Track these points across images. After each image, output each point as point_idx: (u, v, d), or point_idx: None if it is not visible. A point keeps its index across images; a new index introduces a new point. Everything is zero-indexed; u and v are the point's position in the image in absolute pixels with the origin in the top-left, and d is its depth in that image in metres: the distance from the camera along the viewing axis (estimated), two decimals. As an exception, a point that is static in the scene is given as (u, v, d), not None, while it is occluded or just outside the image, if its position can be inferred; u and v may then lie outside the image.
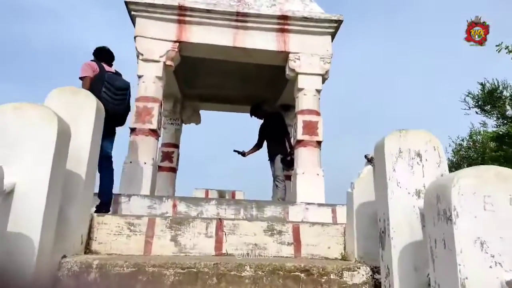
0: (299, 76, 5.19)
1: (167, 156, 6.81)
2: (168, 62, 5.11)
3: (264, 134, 6.28)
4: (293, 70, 5.23)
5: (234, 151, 6.50)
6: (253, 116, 6.45)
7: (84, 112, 2.61)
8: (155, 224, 2.71)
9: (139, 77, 5.01)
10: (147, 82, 4.96)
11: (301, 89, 5.16)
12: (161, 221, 2.73)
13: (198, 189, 5.36)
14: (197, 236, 2.70)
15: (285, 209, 4.27)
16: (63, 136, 2.18)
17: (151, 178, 4.60)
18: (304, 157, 4.87)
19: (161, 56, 5.04)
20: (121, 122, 4.00)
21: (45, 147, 2.03)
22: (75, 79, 3.82)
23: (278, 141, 5.98)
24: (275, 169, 5.89)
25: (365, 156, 2.82)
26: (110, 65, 4.12)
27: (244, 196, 5.94)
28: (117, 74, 4.09)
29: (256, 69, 6.29)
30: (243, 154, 6.45)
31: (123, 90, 3.91)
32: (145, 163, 4.64)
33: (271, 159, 6.13)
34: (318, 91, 5.18)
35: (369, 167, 2.72)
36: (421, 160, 2.15)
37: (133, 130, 4.79)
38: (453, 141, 8.63)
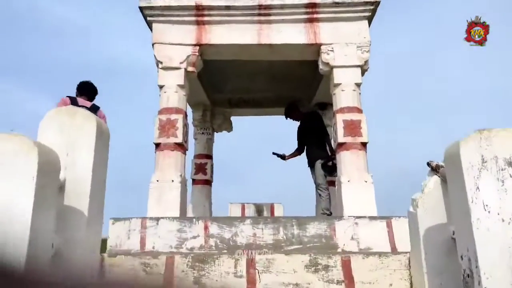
0: (335, 70, 4.61)
1: (200, 168, 6.45)
2: (190, 68, 4.71)
3: (301, 137, 5.73)
4: (327, 64, 4.66)
5: (273, 153, 6.00)
6: (288, 118, 5.92)
7: (82, 136, 2.22)
8: (174, 264, 2.28)
9: (160, 87, 4.65)
10: (168, 92, 4.59)
11: (338, 85, 4.57)
12: (182, 259, 2.31)
13: (234, 203, 4.94)
14: (224, 276, 2.24)
15: (331, 225, 3.71)
16: (48, 168, 1.79)
17: (179, 197, 4.21)
18: (348, 162, 4.28)
19: (181, 63, 4.65)
20: None
21: (22, 185, 1.64)
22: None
23: (317, 145, 5.41)
24: (316, 176, 5.33)
25: (428, 164, 2.22)
26: (91, 99, 4.35)
27: (284, 209, 5.44)
28: (93, 109, 4.16)
29: (286, 67, 5.76)
30: (283, 157, 5.93)
31: None
32: (172, 181, 4.26)
33: (311, 165, 5.56)
34: (358, 85, 4.57)
35: (436, 178, 2.13)
36: (516, 171, 1.55)
37: (157, 145, 4.43)
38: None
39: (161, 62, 4.62)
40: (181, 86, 4.62)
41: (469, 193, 1.53)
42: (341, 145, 4.37)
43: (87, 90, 4.35)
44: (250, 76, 6.44)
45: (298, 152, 5.88)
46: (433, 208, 2.09)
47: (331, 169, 5.04)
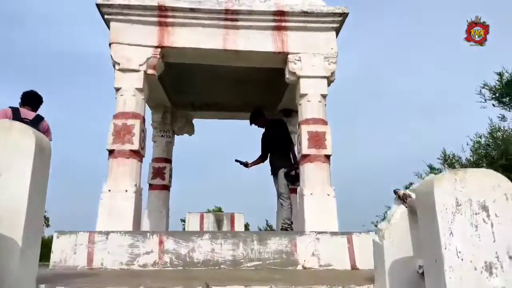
0: (301, 80, 4.51)
1: (158, 173, 6.16)
2: (150, 71, 4.44)
3: (265, 144, 5.61)
4: (293, 73, 4.55)
5: (236, 161, 5.87)
6: (253, 124, 5.78)
7: (18, 154, 1.95)
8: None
9: (117, 90, 4.34)
10: (125, 96, 4.29)
11: (304, 95, 4.48)
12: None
13: (192, 213, 4.72)
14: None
15: (292, 240, 3.61)
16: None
17: (133, 208, 3.94)
18: (311, 175, 4.20)
19: (141, 65, 4.36)
20: None
21: None
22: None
23: (281, 153, 5.31)
24: (279, 185, 5.23)
25: (395, 192, 2.15)
26: (36, 109, 4.20)
27: (245, 218, 5.30)
28: (36, 120, 4.02)
29: (251, 72, 5.60)
30: (246, 165, 5.80)
31: None
32: (126, 191, 3.98)
33: (274, 173, 5.47)
34: (324, 96, 4.50)
35: (403, 208, 2.05)
36: (488, 216, 1.48)
37: (111, 152, 4.13)
38: (471, 139, 7.94)
39: (118, 63, 4.31)
40: (139, 90, 4.33)
41: (443, 238, 1.45)
42: (305, 156, 4.28)
43: (30, 100, 4.18)
44: (214, 79, 6.24)
45: (261, 159, 5.77)
46: (400, 240, 2.02)
47: (294, 179, 4.96)
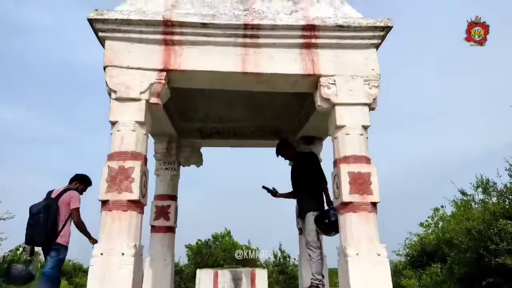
0: (337, 108, 3.70)
1: (162, 213, 5.31)
2: (153, 100, 3.64)
3: (294, 180, 4.79)
4: (326, 100, 3.74)
5: (264, 187, 4.99)
6: (279, 156, 4.98)
7: None
8: None
9: (112, 124, 3.54)
10: (123, 131, 3.48)
11: (340, 127, 3.66)
12: None
13: (203, 269, 3.87)
14: None
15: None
16: None
17: (132, 278, 3.09)
18: (355, 229, 3.35)
19: (142, 93, 3.56)
20: (43, 243, 4.29)
21: None
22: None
23: (311, 191, 4.48)
24: (307, 231, 4.38)
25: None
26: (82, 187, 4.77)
27: (268, 273, 4.43)
28: (59, 195, 4.47)
29: (268, 94, 4.80)
30: (274, 193, 4.92)
31: (35, 214, 4.25)
32: (123, 254, 3.14)
33: (301, 215, 4.62)
34: (366, 128, 3.68)
35: None
36: None
37: (104, 203, 3.30)
38: (509, 163, 7.09)
39: (115, 92, 3.51)
40: (140, 123, 3.53)
41: None
42: (345, 205, 3.44)
43: (77, 179, 4.77)
44: (225, 103, 5.46)
45: (291, 195, 4.93)
46: None
47: (328, 227, 4.10)
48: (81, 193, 4.67)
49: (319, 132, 5.43)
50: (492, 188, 7.76)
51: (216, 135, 5.79)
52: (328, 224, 4.09)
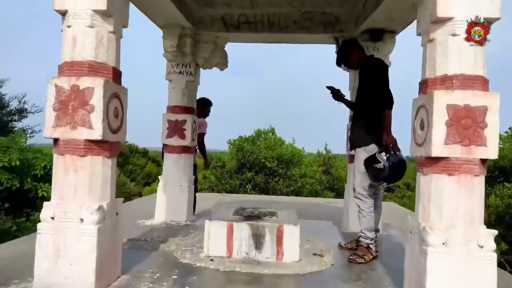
0: (440, -12, 2.03)
1: (175, 129, 4.22)
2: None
3: (357, 93, 3.34)
4: (422, -30, 2.06)
5: (328, 87, 3.64)
6: (342, 65, 3.47)
7: None
8: None
9: (61, 15, 2.21)
10: (75, 28, 2.17)
11: (444, 21, 2.04)
12: None
13: (214, 220, 2.85)
14: None
15: None
16: None
17: (96, 254, 2.10)
18: (448, 203, 2.01)
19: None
20: None
21: None
22: None
23: (370, 118, 3.07)
24: (354, 174, 3.13)
25: None
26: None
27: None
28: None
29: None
30: (337, 95, 3.50)
31: None
32: (82, 220, 2.11)
33: (351, 147, 3.31)
34: (489, 24, 2.04)
35: None
36: None
37: (55, 143, 2.18)
38: None
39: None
40: (103, 14, 2.18)
41: None
42: (435, 161, 2.04)
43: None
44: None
45: (351, 106, 3.53)
46: None
47: (379, 175, 2.84)
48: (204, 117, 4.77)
49: (392, 23, 3.72)
50: None
51: (246, 26, 4.24)
52: (379, 172, 2.81)
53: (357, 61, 3.27)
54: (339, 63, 3.46)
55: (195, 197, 4.69)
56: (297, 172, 12.37)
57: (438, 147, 2.00)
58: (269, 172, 12.22)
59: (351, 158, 3.65)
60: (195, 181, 4.62)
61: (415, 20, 2.34)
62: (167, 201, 4.22)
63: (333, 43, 4.31)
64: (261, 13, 4.16)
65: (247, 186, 11.89)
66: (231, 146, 13.61)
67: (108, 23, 2.23)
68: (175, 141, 4.21)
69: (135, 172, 28.48)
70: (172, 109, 4.27)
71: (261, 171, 12.33)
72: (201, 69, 4.48)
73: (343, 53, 3.32)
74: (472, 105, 1.99)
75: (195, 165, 4.70)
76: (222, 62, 4.51)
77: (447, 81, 2.04)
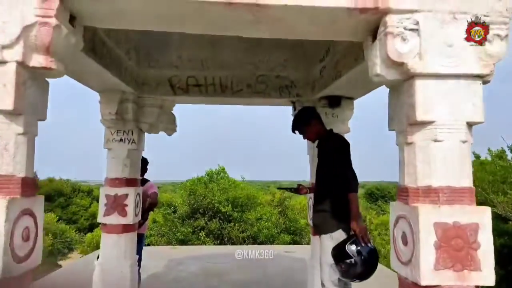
0: (418, 84, 1.79)
1: (115, 205, 3.66)
2: (37, 60, 1.73)
3: (316, 173, 3.02)
4: (397, 66, 1.81)
5: (280, 188, 3.55)
6: (296, 132, 3.10)
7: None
8: None
9: None
10: None
11: (424, 124, 1.79)
12: None
13: None
14: None
15: None
16: None
17: None
18: None
19: (5, 47, 1.65)
20: None
21: None
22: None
23: (334, 198, 2.75)
24: (321, 263, 2.78)
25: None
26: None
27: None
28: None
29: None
30: (298, 190, 3.17)
31: None
32: None
33: (315, 229, 2.97)
34: (471, 125, 1.82)
35: None
36: None
37: None
38: None
39: None
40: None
41: None
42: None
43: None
44: (209, 40, 3.50)
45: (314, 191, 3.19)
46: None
47: (349, 271, 2.53)
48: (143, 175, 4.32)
49: (352, 91, 3.54)
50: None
51: (196, 90, 3.86)
52: (350, 267, 2.49)
53: (315, 135, 2.99)
54: (294, 130, 3.14)
55: (140, 276, 4.11)
56: (253, 215, 11.94)
57: (427, 274, 1.69)
58: (223, 217, 11.68)
59: (314, 232, 3.31)
60: (139, 260, 4.04)
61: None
62: (105, 292, 3.59)
63: (290, 105, 4.07)
64: (212, 75, 3.82)
65: (200, 234, 11.23)
66: (181, 191, 12.96)
67: (16, 124, 1.74)
68: (114, 219, 3.64)
69: (78, 214, 26.44)
70: (111, 182, 3.72)
71: (215, 216, 11.75)
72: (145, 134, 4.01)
73: (300, 123, 3.02)
74: (462, 222, 1.72)
75: (141, 237, 4.15)
76: (170, 127, 4.08)
77: (431, 194, 1.76)
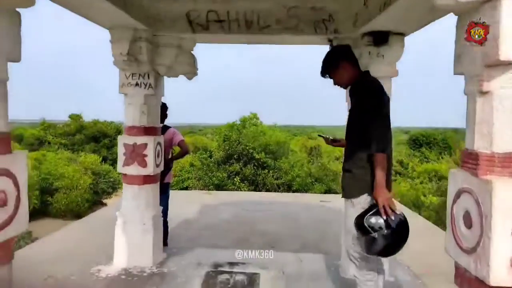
0: (504, 4, 1.22)
1: (134, 155, 3.41)
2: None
3: (349, 121, 2.53)
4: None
5: (319, 135, 3.03)
6: (327, 77, 2.57)
7: None
8: None
9: None
10: None
11: (508, 65, 1.25)
12: None
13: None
14: None
15: None
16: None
17: None
18: None
19: None
20: None
21: None
22: None
23: (360, 159, 2.28)
24: (345, 230, 2.40)
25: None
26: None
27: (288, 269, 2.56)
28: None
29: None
30: (327, 140, 2.81)
31: None
32: None
33: (344, 194, 2.52)
34: None
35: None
36: None
37: None
38: None
39: None
40: None
41: None
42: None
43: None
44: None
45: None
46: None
47: (369, 245, 2.12)
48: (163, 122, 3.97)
49: (402, 25, 2.91)
50: None
51: (217, 26, 3.36)
52: (371, 243, 2.08)
53: (346, 80, 2.45)
54: (323, 74, 2.61)
55: (167, 227, 3.98)
56: (285, 164, 11.71)
57: (500, 272, 1.26)
58: (257, 163, 11.53)
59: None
60: (165, 211, 3.88)
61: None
62: (127, 243, 3.48)
63: (327, 43, 3.49)
64: (236, 9, 3.28)
65: (235, 179, 11.21)
66: (217, 135, 12.85)
67: None
68: (134, 169, 3.42)
69: (123, 154, 27.70)
70: (129, 130, 3.45)
71: (249, 162, 11.63)
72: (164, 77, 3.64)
73: (328, 66, 2.48)
74: (555, 203, 1.24)
75: (166, 186, 3.95)
76: (190, 70, 3.65)
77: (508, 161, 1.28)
